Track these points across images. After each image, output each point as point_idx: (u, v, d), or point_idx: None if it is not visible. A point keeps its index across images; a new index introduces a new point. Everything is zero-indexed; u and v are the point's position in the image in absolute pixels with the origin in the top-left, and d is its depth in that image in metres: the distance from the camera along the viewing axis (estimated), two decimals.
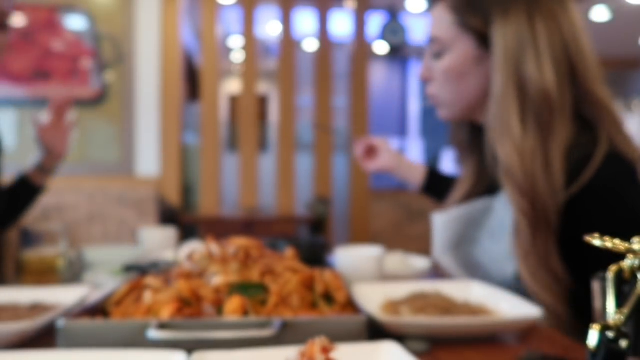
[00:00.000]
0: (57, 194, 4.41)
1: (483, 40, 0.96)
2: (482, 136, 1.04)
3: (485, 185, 1.09)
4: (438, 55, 1.02)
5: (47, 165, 1.39)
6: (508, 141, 0.90)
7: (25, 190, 1.38)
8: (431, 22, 1.03)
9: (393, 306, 0.80)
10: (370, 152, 1.41)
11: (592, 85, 0.92)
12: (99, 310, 0.75)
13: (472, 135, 1.12)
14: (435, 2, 1.03)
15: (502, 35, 0.92)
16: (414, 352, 0.66)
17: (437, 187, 1.39)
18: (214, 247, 0.85)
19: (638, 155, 0.91)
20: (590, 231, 0.47)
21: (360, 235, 4.91)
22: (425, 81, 1.08)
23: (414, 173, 1.40)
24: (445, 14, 0.99)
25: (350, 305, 0.77)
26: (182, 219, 3.90)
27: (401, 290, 0.88)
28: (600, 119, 0.92)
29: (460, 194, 1.13)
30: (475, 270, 1.03)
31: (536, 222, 0.87)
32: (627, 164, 0.89)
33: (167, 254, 1.27)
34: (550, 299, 0.86)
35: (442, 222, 1.08)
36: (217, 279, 0.77)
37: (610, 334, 0.38)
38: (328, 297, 0.78)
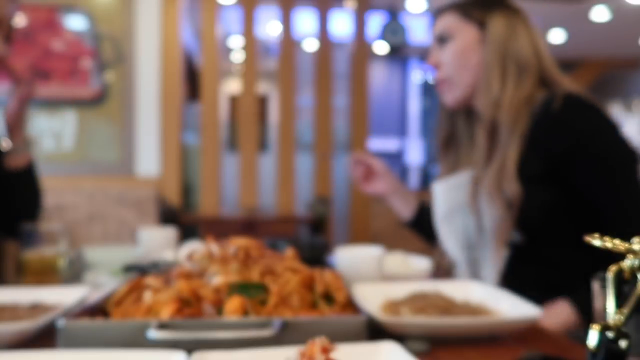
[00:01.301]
0: (57, 193, 4.41)
1: (482, 26, 1.21)
2: (466, 124, 1.28)
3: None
4: (447, 41, 1.23)
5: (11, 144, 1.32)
6: (488, 96, 1.16)
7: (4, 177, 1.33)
8: (439, 23, 1.26)
9: (393, 306, 0.80)
10: (369, 172, 1.42)
11: (554, 66, 1.20)
12: (99, 310, 0.75)
13: (461, 125, 1.30)
14: (442, 11, 1.27)
15: (496, 19, 1.20)
16: (414, 352, 0.66)
17: (424, 224, 1.39)
18: (214, 247, 0.85)
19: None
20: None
21: (360, 235, 4.91)
22: (434, 67, 1.26)
23: (407, 205, 1.42)
24: (451, 13, 1.25)
25: (350, 305, 0.77)
26: (182, 219, 3.90)
27: (401, 290, 0.88)
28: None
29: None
30: (469, 241, 1.18)
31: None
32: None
33: (167, 254, 1.27)
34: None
35: (442, 190, 1.24)
36: (217, 279, 0.77)
37: (610, 334, 0.38)
38: (328, 297, 0.78)
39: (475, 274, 1.16)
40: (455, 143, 1.32)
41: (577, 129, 1.11)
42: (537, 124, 1.12)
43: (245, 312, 0.71)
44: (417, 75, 7.82)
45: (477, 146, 1.20)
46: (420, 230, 1.42)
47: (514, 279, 1.07)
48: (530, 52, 1.18)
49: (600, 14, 5.51)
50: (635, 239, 0.41)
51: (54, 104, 4.49)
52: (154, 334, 0.63)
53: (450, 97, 1.25)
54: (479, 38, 1.22)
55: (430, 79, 1.24)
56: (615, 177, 1.10)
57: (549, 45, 1.25)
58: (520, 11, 1.24)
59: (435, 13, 1.31)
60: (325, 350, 0.44)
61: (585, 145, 1.10)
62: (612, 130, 1.12)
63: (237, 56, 6.58)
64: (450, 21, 1.24)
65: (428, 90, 8.03)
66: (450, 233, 1.21)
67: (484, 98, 1.18)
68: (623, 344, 0.37)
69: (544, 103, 1.13)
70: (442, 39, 1.25)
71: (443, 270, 1.27)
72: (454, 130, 1.32)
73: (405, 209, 1.42)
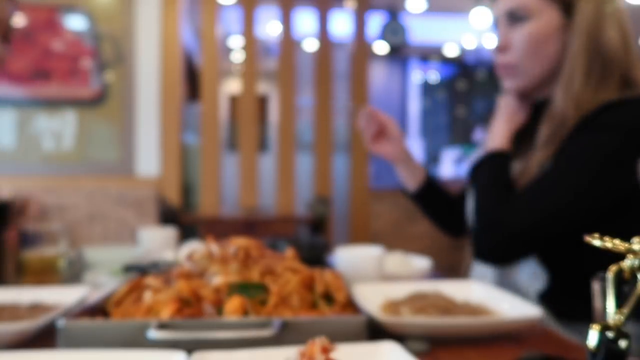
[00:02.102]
0: (57, 193, 4.41)
1: (567, 9, 1.05)
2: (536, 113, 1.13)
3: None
4: (522, 21, 1.06)
5: None
6: (569, 93, 1.02)
7: None
8: None
9: (393, 306, 0.80)
10: (380, 132, 1.30)
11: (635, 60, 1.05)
12: (99, 310, 0.75)
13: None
14: None
15: (585, 3, 1.03)
16: (414, 352, 0.66)
17: (430, 197, 1.34)
18: (214, 247, 0.85)
19: None
20: None
21: (360, 235, 4.91)
22: (501, 50, 1.11)
23: (414, 175, 1.34)
24: None
25: (350, 305, 0.77)
26: (182, 219, 3.90)
27: (401, 290, 0.88)
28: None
29: None
30: None
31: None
32: None
33: (167, 254, 1.27)
34: None
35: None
36: (217, 279, 0.77)
37: (610, 334, 0.38)
38: (328, 297, 0.78)
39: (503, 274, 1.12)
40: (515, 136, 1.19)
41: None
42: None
43: (245, 312, 0.71)
44: (417, 75, 7.82)
45: (538, 137, 1.06)
46: (424, 204, 1.36)
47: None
48: (619, 45, 1.03)
49: None
50: (635, 239, 0.41)
51: (53, 103, 4.49)
52: (154, 334, 0.63)
53: (513, 84, 1.12)
54: (561, 23, 1.05)
55: (492, 58, 1.13)
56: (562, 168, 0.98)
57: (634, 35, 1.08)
58: None
59: None
60: (325, 350, 0.44)
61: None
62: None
63: (237, 56, 6.58)
64: None
65: (428, 90, 8.03)
66: None
67: (563, 93, 1.03)
68: (623, 344, 0.37)
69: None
70: (515, 17, 1.08)
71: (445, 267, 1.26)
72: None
73: (411, 180, 1.33)
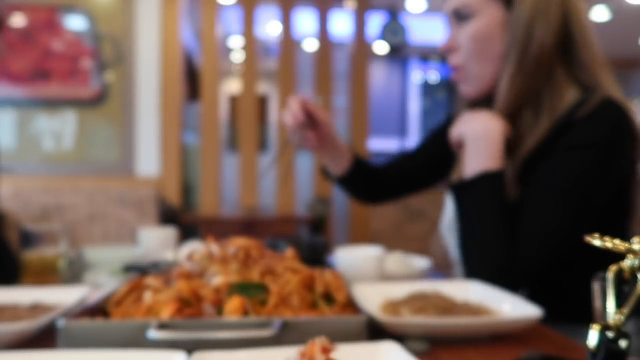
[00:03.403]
0: (57, 193, 4.41)
1: (508, 4, 1.01)
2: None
3: None
4: (466, 19, 1.03)
5: None
6: (498, 89, 1.00)
7: None
8: None
9: (393, 306, 0.80)
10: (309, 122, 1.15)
11: (588, 59, 1.01)
12: (99, 310, 0.75)
13: None
14: None
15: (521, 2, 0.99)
16: (414, 352, 0.66)
17: (356, 179, 1.27)
18: (214, 247, 0.85)
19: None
20: None
21: (360, 235, 4.90)
22: (449, 51, 1.07)
23: (340, 158, 1.23)
24: None
25: (350, 305, 0.77)
26: (182, 219, 3.90)
27: (401, 290, 0.88)
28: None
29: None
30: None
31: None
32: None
33: (167, 254, 1.27)
34: None
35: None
36: (217, 279, 0.77)
37: (610, 334, 0.38)
38: (328, 297, 0.78)
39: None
40: None
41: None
42: (556, 129, 0.98)
43: (245, 312, 0.71)
44: (417, 75, 7.82)
45: None
46: (349, 186, 1.31)
47: None
48: (554, 44, 0.99)
49: (599, 14, 5.51)
50: (635, 239, 0.41)
51: (53, 104, 4.50)
52: (154, 334, 0.63)
53: (466, 89, 1.08)
54: (504, 19, 1.01)
55: (444, 68, 1.08)
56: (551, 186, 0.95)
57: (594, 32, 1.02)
58: None
59: None
60: (325, 350, 0.44)
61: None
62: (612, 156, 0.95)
63: (237, 56, 6.58)
64: None
65: (428, 90, 8.03)
66: (453, 240, 1.14)
67: (497, 91, 1.01)
68: (623, 344, 0.37)
69: (572, 106, 0.98)
70: (459, 16, 1.04)
71: (443, 265, 1.25)
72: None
73: (336, 164, 1.24)
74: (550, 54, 0.99)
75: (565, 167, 0.96)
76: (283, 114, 1.14)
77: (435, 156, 1.29)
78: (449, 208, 1.16)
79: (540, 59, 0.98)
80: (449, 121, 1.27)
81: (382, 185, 1.36)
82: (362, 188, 1.34)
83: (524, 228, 0.95)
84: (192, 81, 5.65)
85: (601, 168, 0.95)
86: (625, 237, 1.04)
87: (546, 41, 0.98)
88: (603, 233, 1.01)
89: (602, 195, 0.97)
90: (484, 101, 1.09)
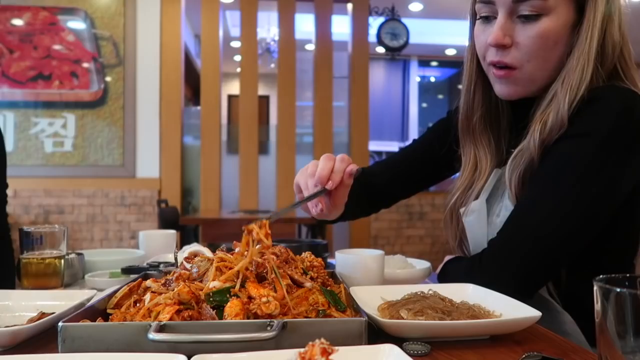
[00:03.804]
0: (57, 195, 4.41)
1: (579, 6, 0.94)
2: (509, 108, 1.06)
3: (498, 161, 1.08)
4: (534, 17, 0.93)
5: None
6: (568, 99, 0.90)
7: None
8: None
9: (392, 308, 0.80)
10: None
11: (632, 58, 0.98)
12: (99, 312, 0.75)
13: (495, 110, 1.09)
14: None
15: (600, 2, 0.93)
16: (414, 354, 0.66)
17: (355, 208, 1.20)
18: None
19: None
20: None
21: (360, 237, 4.90)
22: (502, 47, 0.96)
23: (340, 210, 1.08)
24: None
25: (350, 307, 0.77)
26: (183, 221, 3.90)
27: (401, 292, 0.88)
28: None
29: (479, 184, 1.08)
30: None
31: None
32: None
33: (167, 256, 1.27)
34: None
35: (475, 219, 1.04)
36: (216, 282, 0.77)
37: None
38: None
39: None
40: (495, 125, 1.09)
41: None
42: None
43: (245, 314, 0.71)
44: (416, 77, 7.82)
45: (528, 138, 0.96)
46: (350, 217, 1.25)
47: None
48: (618, 42, 0.94)
49: None
50: None
51: (54, 105, 4.50)
52: (153, 336, 0.63)
53: (513, 89, 0.99)
54: (574, 22, 0.94)
55: (485, 55, 0.98)
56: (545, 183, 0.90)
57: None
58: None
59: None
60: (325, 353, 0.44)
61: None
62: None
63: (238, 58, 6.60)
64: None
65: (428, 91, 8.03)
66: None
67: (566, 99, 0.91)
68: None
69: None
70: (525, 11, 0.93)
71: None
72: (495, 110, 1.08)
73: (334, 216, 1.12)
74: (617, 56, 0.95)
75: (558, 158, 0.90)
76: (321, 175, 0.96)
77: (436, 153, 1.24)
78: (473, 230, 1.06)
79: (612, 61, 0.94)
80: (449, 117, 1.25)
81: (379, 196, 1.33)
82: (359, 213, 1.32)
83: (513, 219, 0.94)
84: (192, 83, 5.65)
85: (604, 160, 0.87)
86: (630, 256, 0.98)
87: (616, 43, 0.94)
88: (607, 245, 0.98)
89: (604, 194, 0.88)
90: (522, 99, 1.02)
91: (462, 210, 1.08)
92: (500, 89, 1.00)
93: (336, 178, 0.94)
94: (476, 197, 1.06)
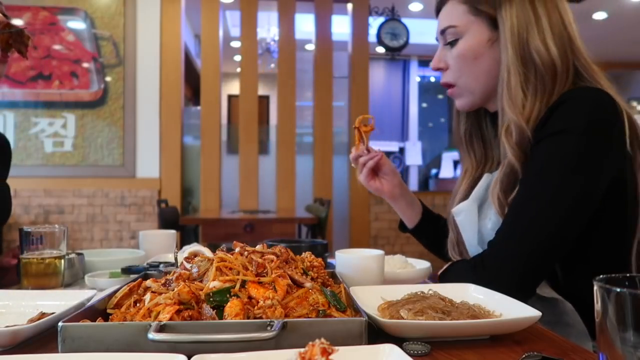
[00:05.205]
0: (57, 195, 4.41)
1: (493, 23, 1.05)
2: (490, 122, 1.16)
3: (491, 167, 1.17)
4: (453, 42, 1.08)
5: None
6: (514, 105, 1.00)
7: None
8: (444, 16, 1.11)
9: (393, 308, 0.80)
10: (375, 167, 1.29)
11: (587, 58, 1.04)
12: (99, 312, 0.75)
13: (478, 124, 1.20)
14: (445, 1, 1.11)
15: (509, 16, 1.02)
16: (414, 354, 0.66)
17: (427, 230, 1.34)
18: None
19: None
20: None
21: (360, 236, 4.90)
22: (438, 71, 1.13)
23: (412, 210, 1.33)
24: (457, 4, 1.08)
25: (350, 307, 0.77)
26: (183, 221, 3.90)
27: (401, 292, 0.88)
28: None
29: (464, 187, 1.18)
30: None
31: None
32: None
33: (167, 256, 1.27)
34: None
35: (465, 218, 1.10)
36: (216, 282, 0.77)
37: None
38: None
39: None
40: (479, 137, 1.19)
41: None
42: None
43: (245, 314, 0.71)
44: (417, 77, 7.82)
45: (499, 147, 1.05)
46: (422, 237, 1.36)
47: None
48: (556, 48, 1.00)
49: (599, 14, 5.52)
50: None
51: (54, 105, 4.50)
52: (153, 336, 0.63)
53: (460, 103, 1.13)
54: (490, 37, 1.05)
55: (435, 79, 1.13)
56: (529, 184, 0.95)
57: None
58: None
59: (438, 2, 1.13)
60: (325, 353, 0.44)
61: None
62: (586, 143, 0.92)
63: (238, 58, 6.60)
64: (455, 15, 1.07)
65: (428, 91, 8.03)
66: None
67: (508, 106, 1.01)
68: None
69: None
70: (447, 37, 1.09)
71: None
72: (477, 123, 1.20)
73: (409, 215, 1.33)
74: (557, 59, 0.99)
75: (542, 157, 0.94)
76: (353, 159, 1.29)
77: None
78: (465, 228, 1.12)
79: (546, 66, 0.99)
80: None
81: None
82: (435, 241, 1.33)
83: (509, 218, 0.97)
84: (192, 83, 5.65)
85: (583, 152, 0.92)
86: (625, 250, 1.01)
87: (544, 49, 0.99)
88: (599, 240, 1.00)
89: (589, 184, 0.93)
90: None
91: (453, 210, 1.15)
92: (456, 103, 1.15)
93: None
94: (465, 198, 1.13)
